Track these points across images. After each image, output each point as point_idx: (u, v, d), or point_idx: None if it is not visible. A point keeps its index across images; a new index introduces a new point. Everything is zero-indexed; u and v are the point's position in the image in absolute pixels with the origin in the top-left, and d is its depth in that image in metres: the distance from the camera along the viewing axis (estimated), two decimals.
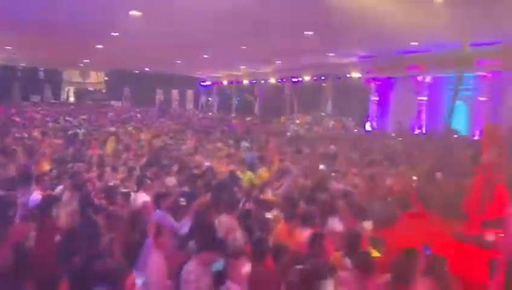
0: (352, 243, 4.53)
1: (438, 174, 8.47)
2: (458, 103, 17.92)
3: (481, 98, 16.23)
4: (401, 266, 3.54)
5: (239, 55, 20.02)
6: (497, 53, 14.65)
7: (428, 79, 18.64)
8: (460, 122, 16.99)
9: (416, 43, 14.91)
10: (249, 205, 6.08)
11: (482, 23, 11.21)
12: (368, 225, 5.48)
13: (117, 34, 14.95)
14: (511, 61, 14.17)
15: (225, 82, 34.82)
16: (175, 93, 39.01)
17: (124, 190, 6.42)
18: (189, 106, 38.83)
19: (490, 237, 4.97)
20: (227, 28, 13.40)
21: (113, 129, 16.98)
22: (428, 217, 6.76)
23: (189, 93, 39.43)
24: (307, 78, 25.14)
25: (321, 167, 9.24)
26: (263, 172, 8.71)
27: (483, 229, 5.32)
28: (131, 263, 4.22)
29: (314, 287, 3.37)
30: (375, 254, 4.75)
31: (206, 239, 4.04)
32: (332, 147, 12.97)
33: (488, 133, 5.66)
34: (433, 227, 5.97)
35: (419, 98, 19.07)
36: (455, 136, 15.14)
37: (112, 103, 36.19)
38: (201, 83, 38.16)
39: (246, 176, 8.46)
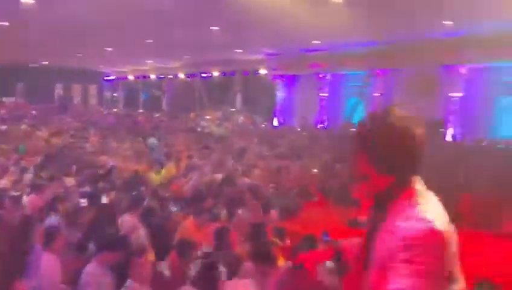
0: (255, 233, 4.66)
1: (337, 166, 9.03)
2: (355, 98, 19.26)
3: (375, 94, 17.60)
4: (300, 251, 3.71)
5: (145, 49, 19.38)
6: (388, 52, 15.98)
7: (329, 76, 19.75)
8: (357, 117, 18.20)
9: (318, 42, 15.65)
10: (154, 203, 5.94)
11: (377, 23, 12.09)
12: (273, 215, 5.65)
13: (6, 23, 13.64)
14: (400, 60, 15.59)
15: (131, 77, 33.51)
16: (77, 88, 36.59)
17: (14, 193, 5.90)
18: (93, 101, 36.73)
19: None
20: (131, 20, 12.91)
21: (4, 127, 15.50)
22: (327, 205, 7.20)
23: (92, 88, 37.25)
24: (216, 73, 25.18)
25: (229, 161, 9.33)
26: (170, 168, 8.57)
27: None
28: (21, 270, 3.91)
29: (215, 279, 3.40)
30: (279, 243, 4.92)
31: (106, 239, 3.87)
32: (241, 142, 13.19)
33: None
34: (331, 215, 6.38)
35: (321, 94, 20.13)
36: (353, 129, 16.21)
37: (4, 99, 32.86)
38: (106, 78, 36.31)
39: (158, 176, 8.24)
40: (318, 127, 18.56)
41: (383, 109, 1.66)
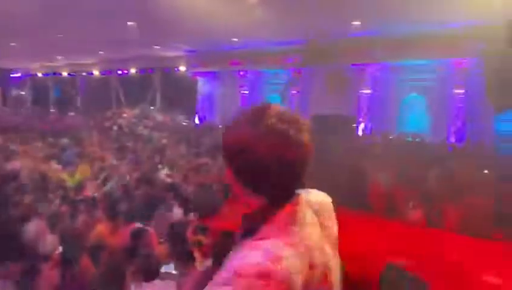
0: (176, 233, 4.60)
1: None
2: (274, 95, 19.74)
3: (293, 91, 18.20)
4: (219, 248, 3.70)
5: (54, 44, 18.18)
6: (304, 51, 16.59)
7: (249, 74, 20.03)
8: None
9: (237, 39, 15.77)
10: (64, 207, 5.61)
11: (292, 22, 12.47)
12: (194, 213, 5.59)
13: None
14: (312, 57, 16.24)
15: (40, 74, 31.23)
16: None
17: None
18: None
19: None
20: (38, 13, 12.05)
21: None
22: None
23: None
24: (133, 70, 24.37)
25: (148, 160, 9.09)
26: (84, 170, 8.13)
27: None
28: None
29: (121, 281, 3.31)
30: (203, 241, 4.88)
31: (7, 249, 3.57)
32: (163, 140, 12.93)
33: None
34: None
35: (242, 91, 20.36)
36: None
37: None
38: (11, 75, 33.47)
39: (71, 178, 7.76)
40: None
41: (259, 106, 1.29)
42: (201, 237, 4.90)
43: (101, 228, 5.00)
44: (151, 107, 23.07)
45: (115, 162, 8.75)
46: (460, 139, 12.94)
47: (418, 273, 3.57)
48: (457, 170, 8.45)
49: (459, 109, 13.37)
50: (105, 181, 7.20)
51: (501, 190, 6.71)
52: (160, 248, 4.55)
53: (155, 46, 18.79)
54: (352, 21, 12.03)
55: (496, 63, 9.70)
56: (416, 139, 13.19)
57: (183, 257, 3.85)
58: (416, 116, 15.43)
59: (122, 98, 25.68)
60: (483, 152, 10.89)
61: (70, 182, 7.27)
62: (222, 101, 21.60)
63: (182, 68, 22.02)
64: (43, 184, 6.68)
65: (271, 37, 14.69)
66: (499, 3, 8.86)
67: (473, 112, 12.14)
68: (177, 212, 5.91)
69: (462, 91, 12.92)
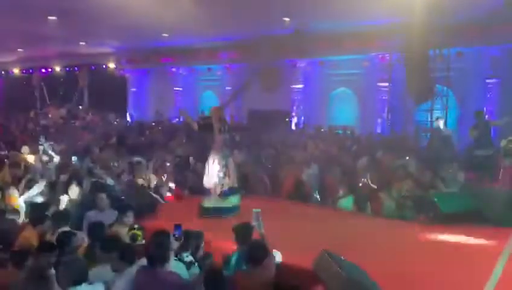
0: (96, 233, 4.52)
1: (191, 159, 9.09)
2: (208, 92, 19.65)
3: (227, 88, 18.21)
4: (152, 248, 3.65)
5: None
6: (235, 47, 16.68)
7: (182, 71, 19.74)
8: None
9: (167, 35, 15.46)
10: None
11: (224, 18, 12.45)
12: (129, 215, 5.39)
13: None
14: (246, 54, 16.40)
15: None
16: None
17: None
18: None
19: None
20: None
21: None
22: (183, 199, 7.25)
23: None
24: (58, 68, 23.06)
25: (74, 160, 8.66)
26: (4, 175, 7.56)
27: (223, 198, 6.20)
28: None
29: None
30: (141, 241, 4.75)
31: None
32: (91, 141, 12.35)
33: (213, 113, 6.53)
34: (188, 207, 6.44)
35: (175, 88, 20.03)
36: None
37: None
38: None
39: None
40: (173, 121, 18.43)
41: None
42: (136, 232, 4.80)
43: (27, 233, 4.72)
44: (79, 107, 21.99)
45: (40, 165, 8.24)
46: (385, 130, 13.70)
47: (352, 258, 3.78)
48: (384, 159, 8.97)
49: (383, 102, 14.14)
50: (29, 185, 6.76)
51: (421, 176, 7.23)
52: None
53: (81, 43, 17.89)
54: (283, 17, 12.25)
55: (415, 58, 10.36)
56: (347, 132, 13.77)
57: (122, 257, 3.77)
58: (345, 109, 16.11)
59: (47, 98, 24.21)
60: (406, 141, 11.63)
61: None
62: (155, 99, 21.13)
63: (111, 65, 21.21)
64: None
65: (203, 33, 14.56)
66: (418, 2, 9.49)
67: (397, 104, 12.90)
68: (110, 213, 5.70)
69: (386, 84, 13.67)
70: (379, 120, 14.46)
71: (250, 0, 10.55)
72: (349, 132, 13.71)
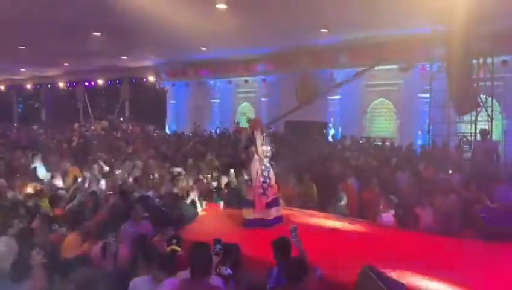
0: (142, 244, 4.58)
1: (231, 171, 9.13)
2: (245, 104, 19.80)
3: (264, 99, 18.30)
4: (194, 260, 3.67)
5: (16, 56, 17.65)
6: (272, 59, 16.78)
7: (219, 83, 20.01)
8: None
9: (206, 49, 15.75)
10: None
11: (261, 30, 12.57)
12: (169, 229, 5.45)
13: None
14: (283, 66, 16.46)
15: (2, 87, 30.22)
16: None
17: None
18: None
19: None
20: None
21: None
22: (222, 210, 7.30)
23: None
24: (100, 81, 23.93)
25: (117, 172, 8.92)
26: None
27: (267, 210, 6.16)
28: None
29: None
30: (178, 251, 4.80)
31: None
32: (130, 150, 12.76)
33: (253, 125, 6.52)
34: (226, 219, 6.48)
35: (213, 100, 20.33)
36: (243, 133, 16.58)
37: None
38: None
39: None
40: (211, 132, 18.69)
41: None
42: (175, 247, 4.85)
43: (69, 241, 4.86)
44: (121, 119, 22.67)
45: (86, 175, 8.52)
46: (426, 142, 13.29)
47: (394, 274, 3.67)
48: (426, 173, 8.69)
49: (424, 113, 13.75)
50: (74, 195, 7.01)
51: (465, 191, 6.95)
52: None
53: (123, 57, 18.52)
54: (320, 29, 12.22)
55: (457, 68, 10.05)
56: (386, 143, 13.48)
57: (161, 267, 3.82)
58: (383, 121, 15.81)
59: (90, 110, 25.14)
60: (449, 154, 11.24)
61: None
62: (193, 111, 21.50)
63: (151, 78, 21.80)
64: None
65: (240, 45, 14.75)
66: (459, 9, 9.23)
67: (438, 115, 12.50)
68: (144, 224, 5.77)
69: (427, 95, 13.29)
70: (419, 132, 14.08)
71: (288, 13, 10.59)
72: (388, 144, 13.41)
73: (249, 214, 6.28)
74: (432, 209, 6.42)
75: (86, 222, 5.04)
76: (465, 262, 4.91)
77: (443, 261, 4.81)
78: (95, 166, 8.96)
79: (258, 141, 6.36)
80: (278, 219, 6.28)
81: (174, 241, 4.84)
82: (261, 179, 6.30)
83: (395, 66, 13.95)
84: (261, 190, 6.28)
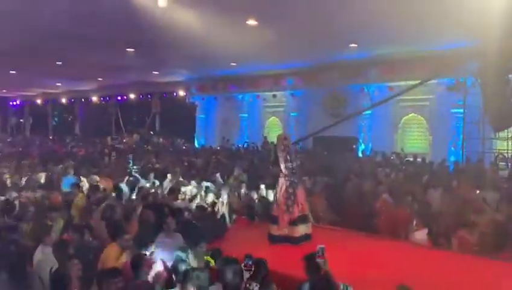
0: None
1: (261, 186, 9.12)
2: (273, 118, 19.85)
3: (292, 114, 18.31)
4: (226, 275, 3.69)
5: (53, 71, 18.36)
6: (300, 73, 16.81)
7: (248, 97, 20.17)
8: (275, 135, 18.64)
9: (235, 64, 15.95)
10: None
11: (290, 46, 12.64)
12: (202, 246, 5.47)
13: None
14: (311, 81, 16.47)
15: (39, 101, 31.42)
16: None
17: None
18: None
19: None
20: (37, 41, 12.23)
21: None
22: (251, 225, 7.28)
23: None
24: (132, 96, 24.54)
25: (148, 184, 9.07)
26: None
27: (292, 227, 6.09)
28: None
29: None
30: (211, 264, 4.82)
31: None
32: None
33: (279, 140, 6.50)
34: (255, 234, 6.46)
35: (241, 114, 20.49)
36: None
37: None
38: (11, 103, 33.67)
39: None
40: (239, 147, 18.81)
41: None
42: (209, 259, 4.87)
43: (109, 252, 4.94)
44: (151, 132, 23.12)
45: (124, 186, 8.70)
46: (460, 158, 12.94)
47: None
48: (460, 190, 8.45)
49: (458, 129, 13.43)
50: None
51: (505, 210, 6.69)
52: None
53: (154, 72, 18.97)
54: (350, 44, 12.19)
55: (492, 83, 9.79)
56: (417, 159, 13.20)
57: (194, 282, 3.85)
58: (415, 136, 15.52)
59: (122, 124, 25.76)
60: (484, 171, 10.89)
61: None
62: (221, 125, 21.71)
63: (181, 93, 22.20)
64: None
65: (269, 60, 14.88)
66: (494, 23, 9.02)
67: (472, 131, 12.19)
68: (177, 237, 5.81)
69: (460, 110, 12.99)
70: (453, 148, 13.74)
71: (317, 28, 10.62)
72: (420, 160, 13.13)
73: (274, 229, 6.25)
74: (467, 229, 6.21)
75: (125, 234, 5.11)
76: (500, 283, 4.72)
77: (479, 282, 4.64)
78: (130, 178, 9.15)
79: (281, 158, 6.33)
80: (306, 237, 6.16)
81: (208, 256, 4.87)
82: (285, 195, 6.24)
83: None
84: (284, 207, 6.22)
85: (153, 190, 8.50)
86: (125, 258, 4.78)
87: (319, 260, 4.10)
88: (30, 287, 4.30)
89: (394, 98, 14.14)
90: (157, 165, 12.88)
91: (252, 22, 9.93)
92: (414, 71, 13.59)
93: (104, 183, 9.19)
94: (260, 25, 10.07)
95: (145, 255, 4.55)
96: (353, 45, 12.28)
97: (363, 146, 15.87)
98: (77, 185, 8.53)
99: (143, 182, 9.43)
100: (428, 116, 14.95)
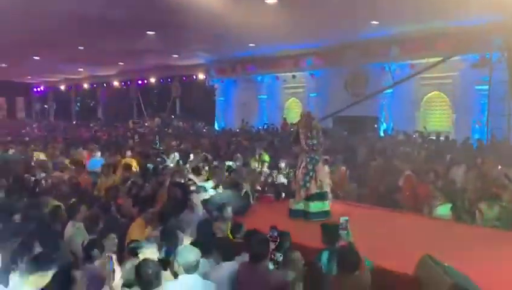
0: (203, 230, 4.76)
1: (282, 165, 9.20)
2: (293, 99, 19.78)
3: (312, 94, 18.20)
4: (254, 245, 3.79)
5: (76, 56, 18.63)
6: (320, 53, 16.62)
7: (267, 79, 20.12)
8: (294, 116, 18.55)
9: (254, 45, 15.88)
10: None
11: (310, 24, 12.50)
12: (228, 210, 5.59)
13: None
14: (330, 60, 16.28)
15: (62, 87, 32.02)
16: (1, 101, 34.27)
17: None
18: (21, 114, 34.56)
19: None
20: (59, 26, 12.40)
21: None
22: (273, 202, 7.40)
23: (20, 100, 35.08)
24: (152, 80, 24.75)
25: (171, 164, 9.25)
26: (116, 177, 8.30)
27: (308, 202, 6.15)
28: None
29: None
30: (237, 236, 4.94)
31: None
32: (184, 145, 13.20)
33: (301, 118, 6.53)
34: (276, 210, 6.58)
35: (260, 96, 20.48)
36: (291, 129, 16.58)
37: None
38: (35, 89, 34.41)
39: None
40: (259, 128, 18.86)
41: None
42: (237, 233, 5.01)
43: (135, 226, 5.13)
44: (172, 116, 23.34)
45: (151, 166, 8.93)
46: (484, 136, 12.72)
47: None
48: (484, 167, 8.36)
49: (482, 105, 13.16)
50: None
51: None
52: None
53: (174, 55, 19.06)
54: (371, 21, 11.98)
55: None
56: (440, 137, 13.03)
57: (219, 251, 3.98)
58: (438, 114, 15.28)
59: (143, 107, 26.08)
60: (509, 148, 10.70)
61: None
62: (240, 107, 21.75)
63: (201, 76, 22.28)
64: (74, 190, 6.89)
65: (288, 40, 14.75)
66: None
67: (497, 107, 11.92)
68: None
69: (485, 87, 12.69)
70: (477, 125, 13.49)
71: (338, 6, 10.47)
72: (443, 138, 12.95)
73: (291, 203, 6.38)
74: (488, 203, 6.17)
75: (151, 209, 5.30)
76: None
77: (500, 256, 4.64)
78: (156, 158, 9.36)
79: (302, 134, 6.37)
80: (323, 214, 6.19)
81: (235, 227, 5.00)
82: (304, 171, 6.31)
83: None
84: (302, 182, 6.30)
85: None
86: (149, 232, 4.96)
87: (341, 232, 4.16)
88: (62, 259, 4.52)
89: (416, 76, 13.92)
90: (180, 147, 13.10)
91: (271, 1, 9.85)
92: (436, 48, 13.30)
93: (130, 163, 9.42)
94: (280, 3, 9.98)
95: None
96: (374, 22, 12.06)
97: (384, 125, 15.72)
98: (106, 166, 8.77)
99: (168, 162, 9.63)
100: (452, 93, 14.66)
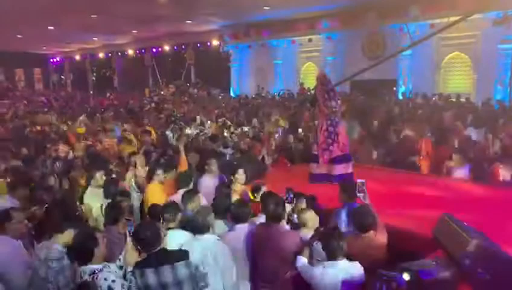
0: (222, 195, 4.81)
1: (299, 130, 9.17)
2: (309, 63, 19.46)
3: (329, 58, 17.85)
4: (270, 206, 3.83)
5: (89, 25, 18.58)
6: (337, 15, 16.18)
7: (282, 43, 19.76)
8: (311, 81, 18.32)
9: (269, 8, 15.53)
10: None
11: None
12: (241, 173, 5.62)
13: None
14: (347, 22, 15.84)
15: (78, 57, 32.12)
16: (20, 72, 34.65)
17: None
18: (39, 86, 34.96)
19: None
20: None
21: None
22: (288, 166, 7.43)
23: (37, 71, 35.43)
24: (167, 47, 24.60)
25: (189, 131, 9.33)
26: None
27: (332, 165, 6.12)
28: None
29: None
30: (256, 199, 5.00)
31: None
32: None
33: (319, 79, 6.38)
34: (293, 174, 6.60)
35: (276, 61, 20.20)
36: (308, 93, 16.41)
37: None
38: (51, 60, 34.62)
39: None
40: (274, 94, 18.71)
41: None
42: (256, 194, 5.08)
43: (153, 190, 5.25)
44: (187, 83, 23.28)
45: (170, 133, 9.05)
46: (507, 97, 12.38)
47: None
48: (505, 128, 8.19)
49: (506, 66, 12.74)
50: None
51: None
52: None
53: (187, 21, 18.82)
54: None
55: None
56: (461, 99, 12.74)
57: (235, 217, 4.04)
58: (458, 76, 14.89)
59: (158, 75, 26.07)
60: None
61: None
62: (256, 73, 21.55)
63: (215, 42, 22.03)
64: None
65: (304, 2, 14.37)
66: None
67: None
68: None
69: (509, 46, 12.24)
70: (499, 86, 13.11)
71: None
72: (463, 100, 12.66)
73: (313, 168, 6.31)
74: (504, 163, 6.06)
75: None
76: None
77: None
78: (174, 126, 9.44)
79: (320, 97, 6.23)
80: (346, 176, 6.17)
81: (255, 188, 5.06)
82: (325, 134, 6.20)
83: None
84: (325, 145, 6.21)
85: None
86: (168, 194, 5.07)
87: (359, 194, 4.16)
88: (80, 219, 4.71)
89: (436, 37, 13.45)
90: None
91: None
92: (457, 6, 12.77)
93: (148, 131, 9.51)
94: None
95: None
96: None
97: (403, 88, 15.41)
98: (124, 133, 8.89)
99: (187, 130, 9.70)
100: (473, 54, 14.20)
